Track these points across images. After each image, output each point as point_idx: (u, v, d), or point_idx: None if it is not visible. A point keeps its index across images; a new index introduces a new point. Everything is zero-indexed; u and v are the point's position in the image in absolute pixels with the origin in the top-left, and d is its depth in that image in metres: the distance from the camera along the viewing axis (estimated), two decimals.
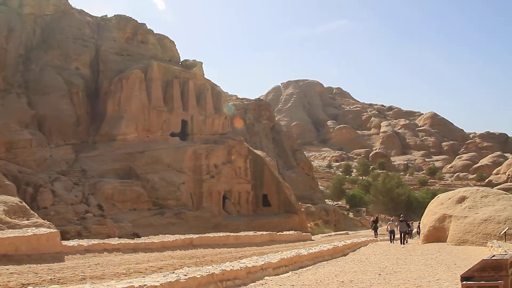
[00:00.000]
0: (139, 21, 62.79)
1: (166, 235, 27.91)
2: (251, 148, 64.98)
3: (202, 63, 63.84)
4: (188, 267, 14.55)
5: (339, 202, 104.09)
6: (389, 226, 39.94)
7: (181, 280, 10.94)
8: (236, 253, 23.65)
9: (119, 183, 46.87)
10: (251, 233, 33.71)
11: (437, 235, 32.68)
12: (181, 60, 66.19)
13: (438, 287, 12.79)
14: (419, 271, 16.49)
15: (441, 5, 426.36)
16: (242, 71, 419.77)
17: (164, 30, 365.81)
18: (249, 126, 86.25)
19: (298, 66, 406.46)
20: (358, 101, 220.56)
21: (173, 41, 66.33)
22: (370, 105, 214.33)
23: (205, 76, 63.81)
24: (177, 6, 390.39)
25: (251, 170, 60.48)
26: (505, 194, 34.54)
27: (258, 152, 65.44)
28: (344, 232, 61.62)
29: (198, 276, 11.69)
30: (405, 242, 35.54)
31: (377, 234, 46.36)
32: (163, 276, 11.14)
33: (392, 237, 37.78)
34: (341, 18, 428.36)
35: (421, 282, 13.83)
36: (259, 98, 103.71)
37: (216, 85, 65.95)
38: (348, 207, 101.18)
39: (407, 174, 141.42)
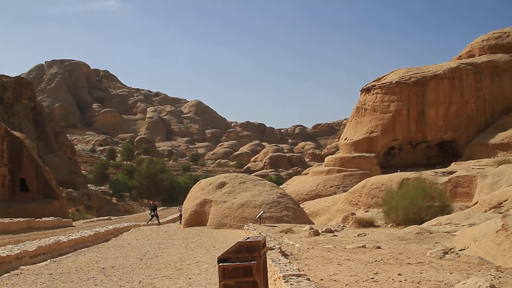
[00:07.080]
0: None
1: None
2: (9, 129, 61.00)
3: None
4: None
5: (103, 187, 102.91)
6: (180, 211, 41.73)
7: None
8: None
9: None
10: (6, 220, 31.70)
11: (199, 219, 34.04)
12: None
13: (197, 269, 13.32)
14: (180, 254, 16.99)
15: None
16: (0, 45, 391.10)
17: None
18: (8, 106, 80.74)
19: (63, 45, 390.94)
20: (125, 85, 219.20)
21: None
22: (137, 90, 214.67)
23: None
24: None
25: (8, 153, 56.70)
26: (261, 180, 37.24)
27: (17, 134, 61.62)
28: (107, 217, 60.86)
29: None
30: None
31: (152, 219, 45.08)
32: None
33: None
34: None
35: (181, 265, 14.29)
36: (19, 76, 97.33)
37: None
38: (111, 192, 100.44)
39: (171, 160, 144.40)
